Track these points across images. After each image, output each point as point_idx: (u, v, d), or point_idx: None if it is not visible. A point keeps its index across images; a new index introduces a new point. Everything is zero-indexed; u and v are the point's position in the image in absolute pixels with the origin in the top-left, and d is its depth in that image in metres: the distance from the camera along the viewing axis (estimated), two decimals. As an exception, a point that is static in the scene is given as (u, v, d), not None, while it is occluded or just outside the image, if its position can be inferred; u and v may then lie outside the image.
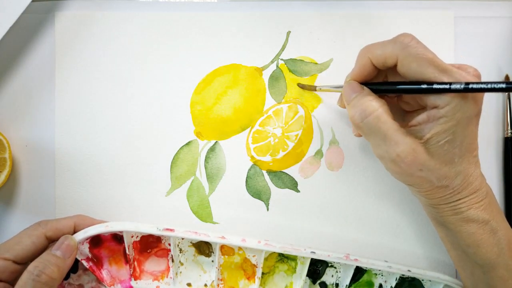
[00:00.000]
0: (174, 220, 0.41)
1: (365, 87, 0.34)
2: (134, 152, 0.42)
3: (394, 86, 0.33)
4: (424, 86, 0.31)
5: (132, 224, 0.38)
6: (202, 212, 0.41)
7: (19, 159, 0.42)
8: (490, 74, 0.42)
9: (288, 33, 0.42)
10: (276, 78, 0.42)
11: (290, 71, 0.42)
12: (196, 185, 0.41)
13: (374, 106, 0.32)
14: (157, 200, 0.41)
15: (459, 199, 0.33)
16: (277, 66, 0.42)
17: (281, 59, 0.42)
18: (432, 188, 0.33)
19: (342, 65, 0.41)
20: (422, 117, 0.32)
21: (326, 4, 0.42)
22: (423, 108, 0.34)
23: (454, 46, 0.41)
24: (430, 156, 0.32)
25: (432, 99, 0.32)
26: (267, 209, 0.41)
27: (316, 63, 0.42)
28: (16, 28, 0.41)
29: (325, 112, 0.41)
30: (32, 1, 0.40)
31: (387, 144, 0.32)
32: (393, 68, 0.33)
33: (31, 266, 0.33)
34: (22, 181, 0.42)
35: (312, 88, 0.40)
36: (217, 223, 0.41)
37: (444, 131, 0.31)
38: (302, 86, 0.41)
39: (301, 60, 0.42)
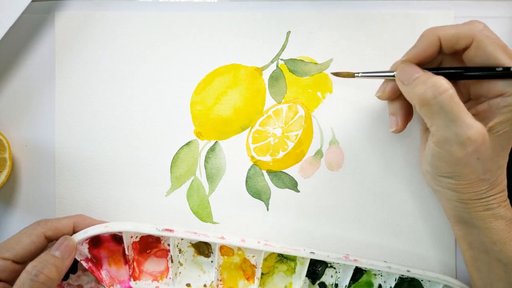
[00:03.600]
0: (174, 220, 0.41)
1: (425, 70, 0.33)
2: (134, 152, 0.42)
3: (463, 71, 0.33)
4: (500, 69, 0.31)
5: (132, 224, 0.38)
6: (202, 212, 0.41)
7: (19, 159, 0.42)
8: (490, 74, 0.42)
9: (288, 33, 0.42)
10: (276, 78, 0.42)
11: (290, 71, 0.42)
12: (196, 185, 0.41)
13: (447, 85, 0.31)
14: (157, 200, 0.41)
15: (492, 195, 0.33)
16: (277, 66, 0.42)
17: (281, 59, 0.42)
18: (474, 180, 0.33)
19: (342, 65, 0.41)
20: (482, 106, 0.33)
21: (326, 4, 0.42)
22: (472, 100, 0.34)
23: (454, 46, 0.41)
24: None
25: (500, 86, 0.32)
26: (267, 209, 0.41)
27: (316, 63, 0.42)
28: (16, 28, 0.41)
29: (325, 112, 0.41)
30: (32, 1, 0.40)
31: (458, 125, 0.31)
32: (453, 55, 0.33)
33: (29, 266, 0.33)
34: (22, 181, 0.42)
35: (350, 75, 0.38)
36: (217, 223, 0.41)
37: (506, 121, 0.31)
38: (336, 74, 0.39)
39: (301, 60, 0.42)
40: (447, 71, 0.33)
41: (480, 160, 0.32)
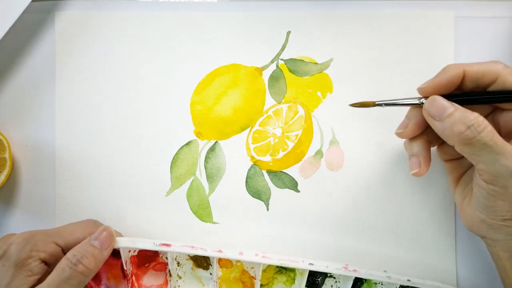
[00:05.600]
0: (174, 220, 0.41)
1: (455, 104, 0.32)
2: (134, 152, 0.42)
3: (496, 95, 0.32)
4: None
5: (129, 240, 0.38)
6: (202, 212, 0.41)
7: (19, 159, 0.42)
8: (490, 74, 0.42)
9: (288, 33, 0.42)
10: (276, 78, 0.42)
11: (290, 71, 0.42)
12: (196, 185, 0.41)
13: (486, 121, 0.30)
14: (157, 200, 0.41)
15: None
16: (277, 66, 0.42)
17: (281, 59, 0.42)
18: None
19: (342, 65, 0.41)
20: None
21: (326, 4, 0.42)
22: (503, 137, 0.33)
23: (454, 46, 0.41)
24: None
25: None
26: (267, 209, 0.41)
27: (316, 63, 0.42)
28: (16, 28, 0.41)
29: (325, 112, 0.41)
30: (32, 1, 0.40)
31: (507, 157, 0.30)
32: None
33: (69, 254, 0.34)
34: (22, 181, 0.42)
35: (370, 105, 0.35)
36: (217, 223, 0.41)
37: None
38: (355, 105, 0.36)
39: (301, 60, 0.42)
40: (478, 97, 0.33)
41: None
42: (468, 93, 0.33)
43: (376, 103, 0.35)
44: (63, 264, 0.34)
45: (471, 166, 0.33)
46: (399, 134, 0.36)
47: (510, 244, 0.33)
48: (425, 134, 0.35)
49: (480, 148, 0.30)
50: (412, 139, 0.35)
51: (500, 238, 0.33)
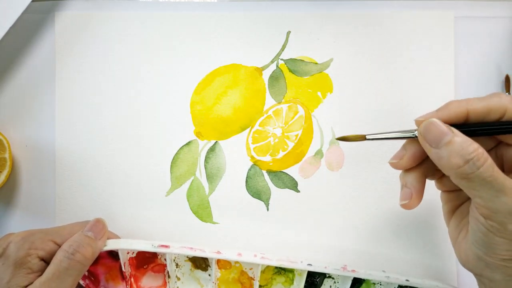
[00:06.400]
0: (174, 220, 0.41)
1: (454, 129, 0.29)
2: (134, 152, 0.42)
3: (500, 126, 0.29)
4: None
5: (127, 242, 0.38)
6: (202, 212, 0.41)
7: (19, 159, 0.42)
8: (490, 74, 0.42)
9: (288, 33, 0.42)
10: (276, 78, 0.42)
11: (290, 71, 0.42)
12: (196, 185, 0.41)
13: (486, 153, 0.28)
14: (157, 200, 0.41)
15: None
16: (277, 66, 0.42)
17: (281, 59, 0.42)
18: None
19: (342, 65, 0.41)
20: None
21: (326, 4, 0.42)
22: (505, 171, 0.31)
23: (454, 46, 0.41)
24: None
25: None
26: (267, 209, 0.41)
27: (316, 63, 0.42)
28: (16, 28, 0.41)
29: (325, 112, 0.41)
30: (32, 1, 0.40)
31: (507, 194, 0.27)
32: None
33: (65, 245, 0.35)
34: (22, 181, 0.42)
35: (360, 138, 0.33)
36: (217, 223, 0.41)
37: None
38: (344, 139, 0.33)
39: (301, 60, 0.42)
40: (484, 127, 0.30)
41: None
42: (470, 124, 0.30)
43: (366, 137, 0.32)
44: (60, 255, 0.34)
45: (468, 198, 0.30)
46: (393, 165, 0.32)
47: (509, 286, 0.30)
48: (422, 166, 0.32)
49: (479, 183, 0.28)
50: (407, 170, 0.32)
51: (499, 278, 0.30)
